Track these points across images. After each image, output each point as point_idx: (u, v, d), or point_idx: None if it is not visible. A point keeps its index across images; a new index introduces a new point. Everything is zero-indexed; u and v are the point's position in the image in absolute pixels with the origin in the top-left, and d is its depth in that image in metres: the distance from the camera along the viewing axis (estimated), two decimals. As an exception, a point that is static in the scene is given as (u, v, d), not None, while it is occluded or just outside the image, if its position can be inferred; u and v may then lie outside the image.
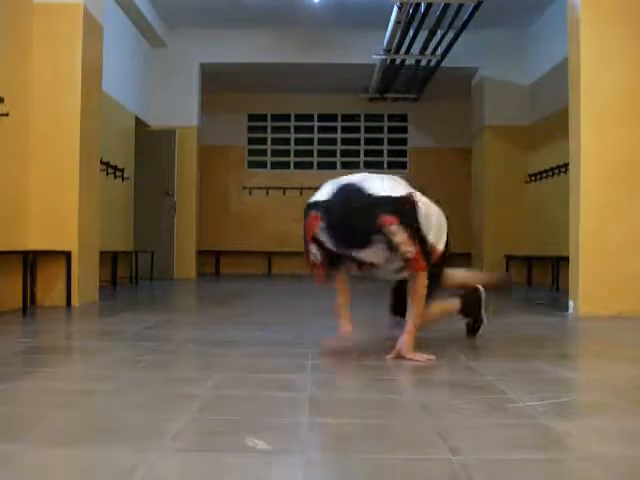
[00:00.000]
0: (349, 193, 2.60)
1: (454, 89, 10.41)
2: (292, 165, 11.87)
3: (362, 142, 11.90)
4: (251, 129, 11.89)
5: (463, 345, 3.08)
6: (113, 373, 2.49)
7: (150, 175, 8.84)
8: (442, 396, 2.09)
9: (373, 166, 11.67)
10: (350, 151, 11.88)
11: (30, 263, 4.81)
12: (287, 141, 11.91)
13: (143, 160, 8.67)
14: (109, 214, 7.02)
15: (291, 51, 9.25)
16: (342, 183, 2.68)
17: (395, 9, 7.14)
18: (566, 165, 6.48)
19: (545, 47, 8.34)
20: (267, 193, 11.54)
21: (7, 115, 4.66)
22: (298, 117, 11.85)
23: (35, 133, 5.07)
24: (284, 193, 11.45)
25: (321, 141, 11.91)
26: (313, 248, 2.73)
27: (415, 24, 7.50)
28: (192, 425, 1.71)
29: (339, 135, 11.91)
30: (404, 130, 11.87)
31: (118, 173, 7.64)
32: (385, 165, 11.84)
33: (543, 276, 8.15)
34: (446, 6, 6.98)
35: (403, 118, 11.83)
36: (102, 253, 5.94)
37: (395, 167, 11.72)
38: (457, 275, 3.38)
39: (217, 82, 10.29)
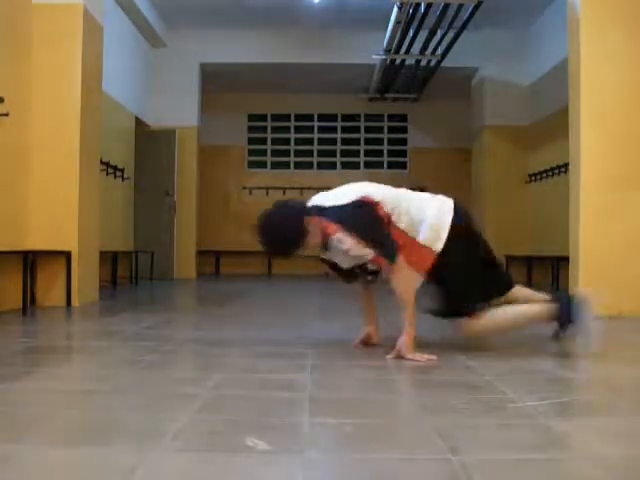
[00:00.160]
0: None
1: (454, 89, 10.41)
2: (292, 165, 11.87)
3: (362, 142, 11.89)
4: (251, 129, 11.89)
5: (463, 345, 3.08)
6: (113, 373, 2.49)
7: (150, 175, 8.84)
8: (442, 396, 2.09)
9: (373, 166, 11.68)
10: (350, 151, 11.88)
11: (30, 263, 4.81)
12: (287, 141, 11.91)
13: (143, 160, 8.67)
14: (109, 214, 7.02)
15: (291, 51, 9.25)
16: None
17: (395, 9, 7.14)
18: (566, 165, 6.49)
19: (545, 47, 8.34)
20: (267, 193, 11.54)
21: (7, 115, 4.66)
22: (298, 117, 11.85)
23: (35, 133, 5.07)
24: (284, 193, 11.44)
25: (321, 141, 11.90)
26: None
27: (415, 24, 7.50)
28: (192, 425, 1.71)
29: (339, 135, 11.91)
30: (404, 130, 11.87)
31: (118, 173, 7.64)
32: (385, 165, 11.84)
33: (543, 276, 8.14)
34: (446, 6, 6.98)
35: (403, 118, 11.82)
36: (102, 253, 5.94)
37: (395, 167, 11.73)
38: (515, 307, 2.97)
39: (217, 82, 10.29)
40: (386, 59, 8.70)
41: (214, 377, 2.31)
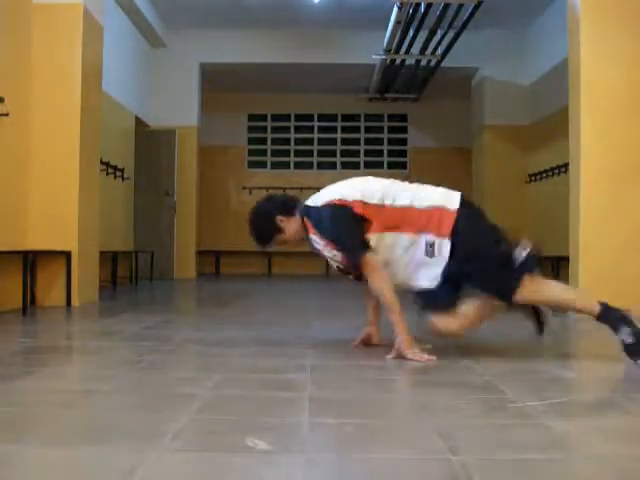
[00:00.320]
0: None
1: (454, 89, 10.41)
2: (292, 165, 11.87)
3: (362, 142, 11.89)
4: (251, 129, 11.89)
5: (463, 345, 3.07)
6: (113, 373, 2.49)
7: (150, 175, 8.84)
8: (442, 396, 2.09)
9: (373, 166, 11.67)
10: (350, 151, 11.88)
11: (30, 263, 4.81)
12: (287, 141, 11.91)
13: (143, 160, 8.67)
14: (109, 214, 7.02)
15: (291, 51, 9.25)
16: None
17: (395, 9, 7.14)
18: (566, 165, 6.48)
19: (545, 47, 8.34)
20: (267, 193, 11.52)
21: (7, 115, 4.66)
22: (298, 117, 11.85)
23: (35, 133, 5.07)
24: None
25: (321, 141, 11.90)
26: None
27: (415, 24, 7.51)
28: (192, 425, 1.71)
29: (339, 135, 11.91)
30: (404, 130, 11.87)
31: (118, 173, 7.64)
32: (385, 165, 11.84)
33: (543, 276, 8.13)
34: (446, 6, 6.98)
35: (403, 118, 11.82)
36: (102, 253, 5.93)
37: (395, 167, 11.73)
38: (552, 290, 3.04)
39: (217, 82, 10.29)
40: (386, 59, 8.70)
41: (214, 377, 2.31)
